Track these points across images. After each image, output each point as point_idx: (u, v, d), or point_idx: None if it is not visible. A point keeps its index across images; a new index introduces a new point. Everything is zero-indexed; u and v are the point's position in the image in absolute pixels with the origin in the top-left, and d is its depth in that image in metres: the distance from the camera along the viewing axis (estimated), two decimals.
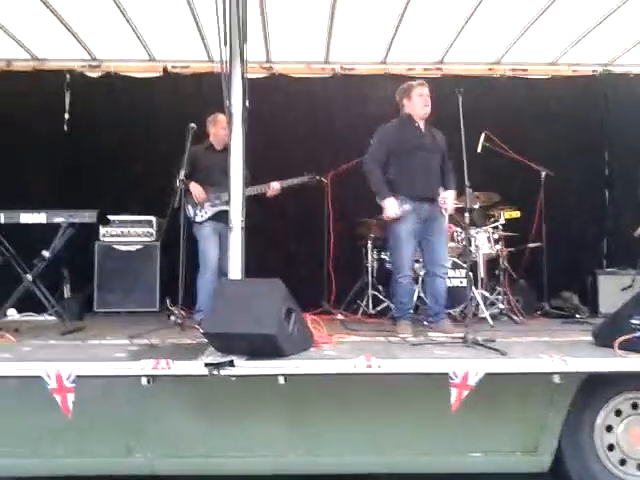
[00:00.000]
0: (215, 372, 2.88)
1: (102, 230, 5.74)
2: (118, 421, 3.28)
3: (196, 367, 2.90)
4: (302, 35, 5.84)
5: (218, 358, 2.94)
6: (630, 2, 5.18)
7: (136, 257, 5.74)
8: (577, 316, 5.49)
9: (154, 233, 5.81)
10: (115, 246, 5.76)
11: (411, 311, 4.38)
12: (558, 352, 3.13)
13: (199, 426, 3.32)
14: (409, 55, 6.31)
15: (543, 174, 5.67)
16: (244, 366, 2.90)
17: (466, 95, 4.13)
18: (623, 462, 3.31)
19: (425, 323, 4.55)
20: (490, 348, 3.27)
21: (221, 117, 4.77)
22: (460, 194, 4.36)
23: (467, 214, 3.65)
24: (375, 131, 4.48)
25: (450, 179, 4.39)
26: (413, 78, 6.20)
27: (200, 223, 4.82)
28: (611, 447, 3.32)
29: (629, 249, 5.49)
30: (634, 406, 3.34)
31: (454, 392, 2.85)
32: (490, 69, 6.55)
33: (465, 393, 2.84)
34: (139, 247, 5.76)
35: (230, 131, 3.76)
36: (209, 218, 4.81)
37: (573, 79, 6.57)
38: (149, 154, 6.06)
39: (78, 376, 2.84)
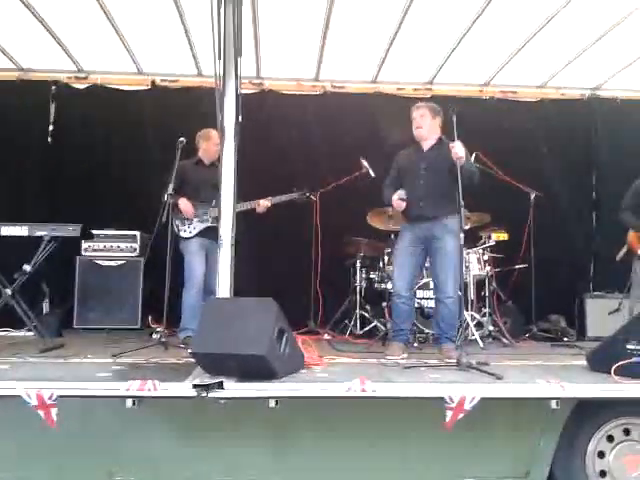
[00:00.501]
0: (204, 394, 2.78)
1: (84, 244, 5.59)
2: (98, 444, 3.14)
3: (184, 389, 2.80)
4: (293, 52, 5.81)
5: (206, 379, 2.85)
6: (619, 27, 5.24)
7: (118, 273, 5.60)
8: (565, 339, 5.50)
9: (138, 248, 5.68)
10: (97, 261, 5.61)
11: (404, 333, 4.25)
12: (553, 377, 3.10)
13: (183, 449, 3.20)
14: (400, 75, 6.31)
15: (532, 196, 5.69)
16: (234, 388, 2.80)
17: (457, 116, 4.12)
18: None
19: (415, 345, 4.50)
20: (485, 372, 3.21)
21: (214, 133, 4.72)
22: None
23: (462, 235, 3.60)
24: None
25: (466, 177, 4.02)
26: (403, 98, 6.34)
27: (187, 239, 4.72)
28: (603, 473, 3.27)
29: (616, 272, 5.47)
30: (626, 432, 3.29)
31: (449, 413, 2.79)
32: (480, 91, 6.58)
33: (460, 415, 2.78)
34: (122, 262, 5.62)
35: (222, 146, 3.70)
36: (196, 234, 4.73)
37: (561, 102, 6.63)
38: (135, 168, 5.97)
39: (60, 396, 2.72)
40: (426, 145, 4.32)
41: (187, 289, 4.66)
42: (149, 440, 3.18)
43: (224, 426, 3.16)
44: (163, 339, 4.15)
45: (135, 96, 6.24)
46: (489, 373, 3.15)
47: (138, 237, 5.68)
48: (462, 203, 3.61)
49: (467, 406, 2.78)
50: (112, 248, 5.64)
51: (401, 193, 4.19)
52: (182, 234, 4.72)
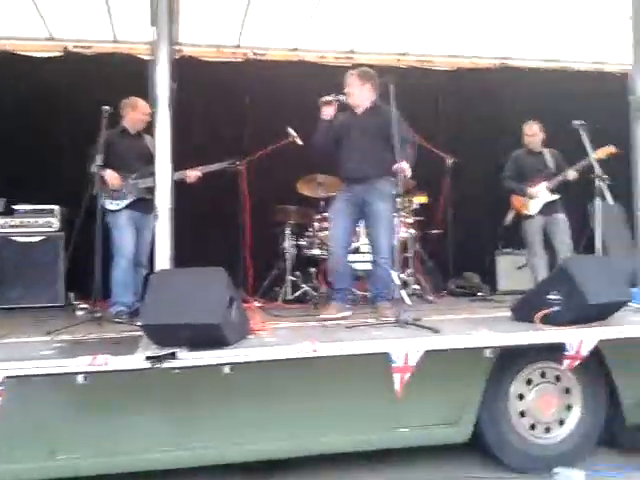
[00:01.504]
0: (157, 365, 2.79)
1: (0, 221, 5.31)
2: (38, 424, 3.09)
3: (136, 361, 2.80)
4: (213, 17, 5.69)
5: (158, 351, 2.86)
6: (527, 2, 5.56)
7: (38, 249, 5.33)
8: (479, 294, 5.89)
9: (58, 223, 5.43)
10: (13, 237, 5.31)
11: (342, 293, 4.38)
12: (483, 327, 3.35)
13: (127, 423, 3.20)
14: (321, 43, 6.37)
15: (449, 161, 5.99)
16: (187, 357, 2.83)
17: (385, 85, 4.25)
18: (533, 427, 3.61)
19: (347, 306, 4.68)
20: (423, 327, 3.40)
21: (141, 102, 4.61)
22: None
23: (398, 199, 3.78)
24: None
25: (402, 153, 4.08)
26: (324, 66, 6.41)
27: (115, 212, 4.59)
28: (522, 414, 3.60)
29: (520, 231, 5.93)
30: (542, 375, 3.64)
31: (397, 377, 2.94)
32: (398, 59, 6.76)
33: (407, 376, 2.94)
34: (41, 238, 5.36)
35: (155, 115, 3.63)
36: (125, 207, 4.61)
37: (473, 71, 6.95)
38: (51, 139, 5.69)
39: (8, 377, 2.65)
40: (359, 110, 4.42)
41: (117, 263, 4.55)
42: (92, 416, 3.15)
43: (170, 397, 3.20)
44: (98, 314, 4.05)
45: (47, 63, 5.90)
46: (427, 327, 3.35)
47: (57, 212, 5.42)
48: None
49: (411, 362, 2.93)
50: (30, 224, 5.34)
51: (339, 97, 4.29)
52: (110, 207, 4.57)
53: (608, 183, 4.62)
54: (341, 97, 4.29)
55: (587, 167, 4.98)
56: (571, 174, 5.29)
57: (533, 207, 5.49)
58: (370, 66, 6.24)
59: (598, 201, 4.62)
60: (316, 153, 4.57)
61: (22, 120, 5.71)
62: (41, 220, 5.41)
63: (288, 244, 5.59)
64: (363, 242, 5.22)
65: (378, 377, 3.14)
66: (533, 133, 5.59)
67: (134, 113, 4.73)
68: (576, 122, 4.80)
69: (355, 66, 6.25)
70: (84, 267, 4.49)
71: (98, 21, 5.61)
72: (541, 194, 5.46)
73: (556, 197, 5.46)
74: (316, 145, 4.45)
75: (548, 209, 5.47)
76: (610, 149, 5.04)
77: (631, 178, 4.45)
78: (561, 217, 5.45)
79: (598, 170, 4.69)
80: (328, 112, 4.29)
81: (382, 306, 4.24)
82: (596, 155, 4.92)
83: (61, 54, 5.99)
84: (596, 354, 3.49)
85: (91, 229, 4.17)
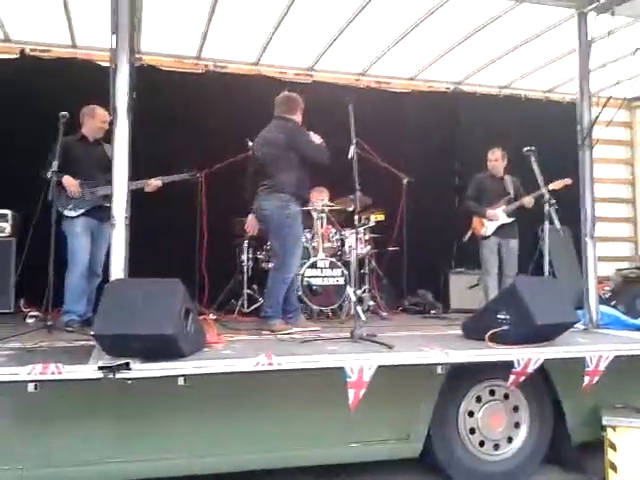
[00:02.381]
0: (110, 375, 2.74)
1: None
2: None
3: (89, 371, 2.73)
4: (175, 27, 5.70)
5: (111, 361, 2.80)
6: (483, 30, 5.78)
7: None
8: (432, 312, 6.02)
9: (9, 228, 5.29)
10: None
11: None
12: (435, 344, 3.40)
13: (77, 434, 3.12)
14: (282, 59, 6.45)
15: (405, 181, 6.11)
16: (142, 368, 2.79)
17: (335, 104, 4.35)
18: (482, 443, 3.67)
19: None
20: (377, 342, 3.45)
21: (100, 110, 4.57)
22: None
23: (356, 216, 3.84)
24: None
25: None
26: (284, 82, 6.46)
27: (71, 219, 4.50)
28: (472, 430, 3.65)
29: (474, 251, 6.11)
30: (492, 392, 3.71)
31: (351, 392, 2.95)
32: (357, 79, 6.90)
33: (362, 392, 2.95)
34: None
35: (114, 123, 3.58)
36: (81, 214, 4.53)
37: (429, 94, 7.15)
38: (5, 142, 5.52)
39: None
40: None
41: (71, 271, 4.46)
42: (38, 426, 3.06)
43: (122, 408, 3.14)
44: (49, 322, 3.95)
45: (3, 65, 5.76)
46: (380, 343, 3.38)
47: (9, 217, 5.30)
48: (358, 187, 3.84)
49: (366, 377, 2.96)
50: None
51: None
52: (66, 213, 4.49)
53: (556, 208, 4.82)
54: None
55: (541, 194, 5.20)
56: (527, 201, 5.57)
57: (489, 228, 5.74)
58: (329, 84, 6.45)
59: (547, 225, 4.81)
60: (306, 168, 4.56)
61: None
62: None
63: (245, 257, 5.58)
64: (320, 257, 5.26)
65: (331, 392, 3.15)
66: (496, 158, 5.87)
67: (93, 121, 4.68)
68: (526, 148, 5.00)
69: (314, 83, 6.45)
70: (35, 274, 4.36)
71: (57, 25, 5.53)
72: (498, 217, 5.71)
73: (510, 220, 5.71)
74: (323, 164, 4.52)
75: (504, 233, 5.74)
76: (566, 181, 5.33)
77: (579, 204, 4.63)
78: (514, 244, 5.73)
79: (547, 196, 4.89)
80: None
81: (302, 319, 4.45)
82: (552, 187, 5.22)
83: (17, 56, 5.87)
84: (543, 374, 3.61)
85: (45, 235, 4.08)
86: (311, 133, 4.50)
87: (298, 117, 4.59)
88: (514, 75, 7.04)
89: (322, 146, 4.50)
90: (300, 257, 4.45)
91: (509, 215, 5.71)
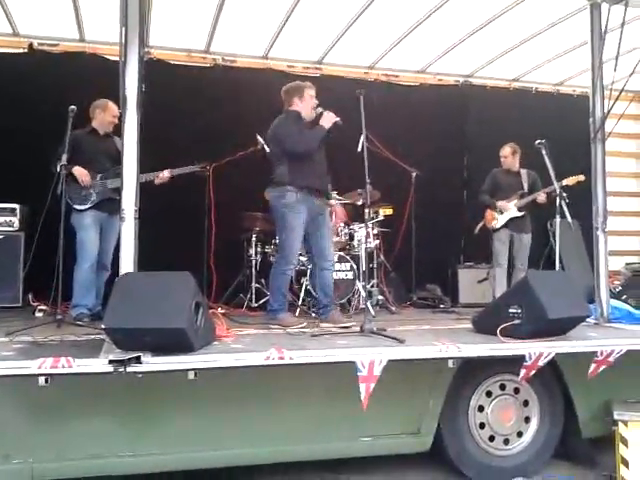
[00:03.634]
0: (121, 369, 2.74)
1: None
2: None
3: (100, 365, 2.73)
4: (185, 21, 5.67)
5: (121, 355, 2.80)
6: (491, 24, 5.73)
7: None
8: (441, 306, 6.01)
9: (17, 222, 5.30)
10: None
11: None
12: (446, 339, 3.38)
13: (84, 427, 3.12)
14: (290, 52, 6.42)
15: (413, 174, 6.09)
16: (152, 362, 2.78)
17: (344, 97, 4.33)
18: (492, 438, 3.65)
19: (313, 315, 4.68)
20: (387, 336, 3.43)
21: (111, 104, 4.58)
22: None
23: (367, 210, 3.82)
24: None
25: None
26: (293, 75, 6.43)
27: (81, 211, 4.51)
28: (482, 425, 3.64)
29: (483, 245, 6.09)
30: (502, 387, 3.69)
31: (362, 387, 2.94)
32: (365, 73, 6.86)
33: (372, 386, 2.94)
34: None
35: (124, 116, 3.57)
36: (90, 207, 4.53)
37: (438, 88, 7.11)
38: (14, 136, 5.52)
39: None
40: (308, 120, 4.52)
41: (79, 264, 4.47)
42: (48, 420, 3.07)
43: (130, 402, 3.14)
44: (59, 316, 3.95)
45: (12, 59, 5.76)
46: (392, 337, 3.37)
47: (18, 210, 5.30)
48: (368, 180, 3.81)
49: (376, 371, 2.94)
50: None
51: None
52: (75, 206, 4.49)
53: (567, 202, 4.79)
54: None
55: (553, 189, 5.22)
56: (540, 196, 5.56)
57: (500, 221, 5.76)
58: (338, 78, 6.42)
59: (558, 219, 4.78)
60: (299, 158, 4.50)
61: None
62: (1, 219, 5.29)
63: (253, 251, 5.57)
64: None
65: (341, 386, 3.16)
66: (505, 155, 5.89)
67: (104, 115, 4.68)
68: (537, 141, 4.97)
69: (323, 77, 6.42)
70: (44, 268, 4.37)
71: (65, 19, 5.52)
72: (509, 209, 5.71)
73: (521, 214, 5.70)
74: (308, 153, 4.42)
75: (516, 226, 5.74)
76: (579, 177, 5.31)
77: (588, 197, 4.59)
78: (526, 238, 5.73)
79: (558, 189, 4.86)
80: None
81: (336, 314, 4.33)
82: (566, 182, 5.23)
83: (26, 51, 5.87)
84: (554, 368, 3.59)
85: (54, 229, 4.08)
86: (325, 113, 4.40)
87: (298, 106, 4.51)
88: (524, 68, 7.00)
89: (311, 135, 4.41)
90: (297, 249, 4.40)
91: (520, 209, 5.70)
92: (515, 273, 5.65)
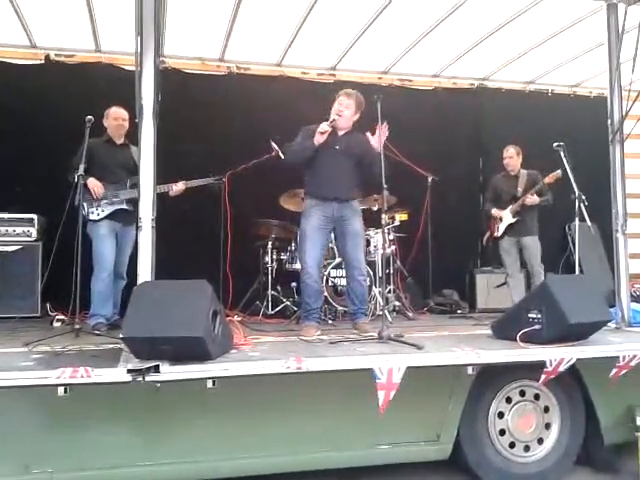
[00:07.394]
0: (139, 379, 2.74)
1: None
2: (12, 438, 3.02)
3: (118, 374, 2.73)
4: (199, 30, 5.71)
5: (139, 364, 2.81)
6: (506, 26, 5.69)
7: (14, 259, 5.26)
8: (459, 311, 5.97)
9: (35, 233, 5.35)
10: None
11: (317, 312, 4.35)
12: (465, 345, 3.36)
13: (103, 437, 3.12)
14: (304, 59, 6.43)
15: (429, 179, 6.06)
16: (170, 371, 2.78)
17: (366, 103, 4.31)
18: (512, 445, 3.60)
19: (329, 322, 4.67)
20: (405, 343, 3.41)
21: (114, 109, 4.63)
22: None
23: (383, 215, 3.80)
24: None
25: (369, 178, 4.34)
26: (307, 82, 6.45)
27: (96, 222, 4.53)
28: (502, 432, 3.59)
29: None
30: (522, 393, 3.64)
31: (381, 394, 2.91)
32: (379, 78, 6.85)
33: (392, 394, 2.91)
34: (18, 248, 5.27)
35: (140, 126, 3.59)
36: (106, 217, 4.55)
37: (453, 91, 7.07)
38: (32, 147, 5.59)
39: None
40: (341, 132, 4.43)
41: (97, 274, 4.49)
42: (67, 429, 3.07)
43: (147, 411, 3.14)
44: (77, 326, 3.97)
45: (29, 71, 5.83)
46: (410, 344, 3.34)
47: (36, 221, 5.35)
48: (385, 185, 3.79)
49: (396, 379, 2.91)
50: (7, 233, 5.27)
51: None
52: (91, 217, 4.51)
53: (586, 204, 4.73)
54: (335, 121, 4.29)
55: (539, 190, 5.33)
56: (528, 199, 5.51)
57: (500, 229, 5.74)
58: (352, 83, 6.40)
59: (577, 222, 4.72)
60: (286, 168, 4.63)
61: (1, 128, 5.62)
62: (19, 229, 5.34)
63: (269, 258, 5.57)
64: None
65: (359, 393, 3.13)
66: (510, 156, 5.79)
67: (108, 121, 4.73)
68: (555, 144, 4.92)
69: (337, 83, 6.41)
70: (62, 278, 4.40)
71: (81, 30, 5.58)
72: (504, 217, 5.69)
73: (515, 220, 5.63)
74: (291, 164, 4.50)
75: (515, 232, 5.69)
76: (557, 174, 5.26)
77: (606, 200, 4.54)
78: (529, 240, 5.63)
79: (577, 192, 4.80)
80: (320, 139, 4.24)
81: (362, 322, 4.24)
82: (547, 180, 5.30)
83: (42, 62, 5.94)
84: (575, 373, 3.54)
85: (71, 239, 4.10)
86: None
87: None
88: (540, 70, 6.94)
89: (293, 146, 4.44)
90: (312, 257, 4.30)
91: (515, 214, 5.63)
92: (533, 277, 5.57)
